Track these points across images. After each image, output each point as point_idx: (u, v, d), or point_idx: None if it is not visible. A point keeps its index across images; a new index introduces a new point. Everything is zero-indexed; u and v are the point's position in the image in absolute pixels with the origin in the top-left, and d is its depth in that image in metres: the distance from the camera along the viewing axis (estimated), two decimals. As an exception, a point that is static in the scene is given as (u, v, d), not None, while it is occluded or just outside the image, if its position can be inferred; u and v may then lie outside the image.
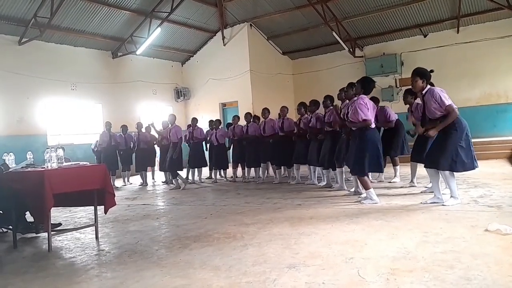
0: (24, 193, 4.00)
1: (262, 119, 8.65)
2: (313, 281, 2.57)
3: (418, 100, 5.47)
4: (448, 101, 4.43)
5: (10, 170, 4.28)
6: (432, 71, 4.68)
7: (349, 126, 5.37)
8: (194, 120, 9.85)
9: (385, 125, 7.02)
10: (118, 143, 10.02)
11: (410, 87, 6.43)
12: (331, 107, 6.73)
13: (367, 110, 5.10)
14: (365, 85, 5.27)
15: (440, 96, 4.45)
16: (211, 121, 9.89)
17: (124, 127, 10.37)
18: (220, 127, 9.85)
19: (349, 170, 5.73)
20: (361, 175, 5.22)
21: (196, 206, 6.15)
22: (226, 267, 2.98)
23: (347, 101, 5.88)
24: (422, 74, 4.62)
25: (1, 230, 4.76)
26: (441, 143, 4.55)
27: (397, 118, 7.12)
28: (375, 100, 7.09)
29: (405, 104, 6.25)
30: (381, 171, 5.93)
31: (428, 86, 4.61)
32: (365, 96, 5.25)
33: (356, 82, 5.42)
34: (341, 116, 6.06)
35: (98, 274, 3.08)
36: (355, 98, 5.28)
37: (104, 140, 9.77)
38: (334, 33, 12.66)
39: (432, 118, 4.61)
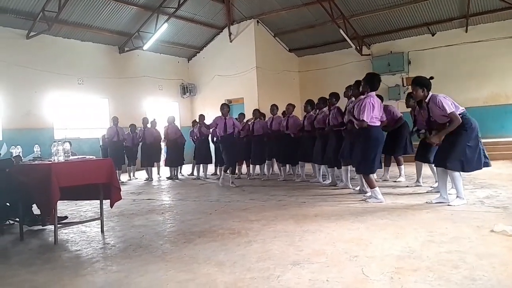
0: (31, 186, 4.03)
1: (270, 115, 8.62)
2: (317, 278, 2.57)
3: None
4: (450, 109, 4.40)
5: (22, 162, 4.33)
6: (432, 78, 4.70)
7: (357, 125, 5.30)
8: (202, 117, 9.89)
9: (394, 124, 6.86)
10: (125, 139, 10.06)
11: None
12: (336, 106, 6.72)
13: (371, 111, 5.05)
14: (370, 82, 5.21)
15: (442, 104, 4.43)
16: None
17: (133, 126, 10.39)
18: None
19: (354, 168, 5.70)
20: (367, 173, 5.21)
21: (201, 201, 6.17)
22: (231, 262, 2.99)
23: (353, 98, 5.85)
24: (421, 83, 4.64)
25: (8, 222, 4.80)
26: (451, 143, 4.54)
27: (401, 116, 7.04)
28: (379, 98, 7.06)
29: (407, 107, 6.20)
30: (380, 167, 5.65)
31: (431, 94, 4.62)
32: (373, 94, 5.21)
33: (362, 80, 5.37)
34: (346, 113, 6.07)
35: (103, 267, 3.11)
36: (363, 97, 5.24)
37: (110, 134, 9.79)
38: (341, 31, 12.59)
39: (441, 122, 4.60)
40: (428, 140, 4.78)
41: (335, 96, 6.82)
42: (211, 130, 8.88)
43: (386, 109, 6.93)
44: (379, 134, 5.23)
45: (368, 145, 5.13)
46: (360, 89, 5.42)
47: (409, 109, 6.49)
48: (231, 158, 7.82)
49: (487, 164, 4.63)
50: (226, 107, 7.91)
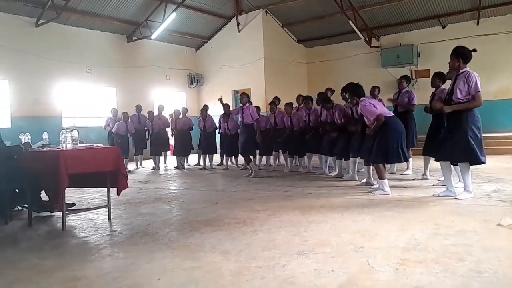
0: (40, 173, 4.08)
1: (271, 114, 8.62)
2: (322, 268, 2.58)
3: (445, 86, 5.41)
4: (479, 89, 4.34)
5: (31, 149, 4.37)
6: (474, 50, 4.48)
7: (377, 125, 5.25)
8: (205, 110, 9.89)
9: (407, 107, 6.85)
10: (133, 133, 10.17)
11: (426, 79, 6.36)
12: (338, 106, 6.86)
13: (373, 107, 5.16)
14: (356, 92, 5.48)
15: (475, 81, 4.32)
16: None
17: (138, 107, 10.54)
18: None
19: (362, 160, 5.71)
20: (380, 162, 5.20)
21: (207, 191, 6.20)
22: (236, 251, 3.01)
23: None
24: (459, 53, 4.44)
25: (17, 208, 4.87)
26: (453, 135, 4.47)
27: (414, 104, 6.96)
28: (407, 79, 7.25)
29: (432, 86, 6.08)
30: (401, 161, 5.52)
31: (467, 68, 4.46)
32: (364, 98, 5.37)
33: (346, 94, 5.74)
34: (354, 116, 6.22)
35: (110, 253, 3.15)
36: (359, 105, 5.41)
37: (121, 131, 9.89)
38: (350, 22, 12.45)
39: (454, 99, 4.48)
40: (434, 105, 4.71)
41: (311, 99, 7.50)
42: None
43: (408, 92, 7.01)
44: (398, 124, 5.23)
45: (386, 136, 5.14)
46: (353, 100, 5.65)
47: (421, 103, 6.45)
48: (243, 147, 7.71)
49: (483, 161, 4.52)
50: (245, 97, 7.65)
